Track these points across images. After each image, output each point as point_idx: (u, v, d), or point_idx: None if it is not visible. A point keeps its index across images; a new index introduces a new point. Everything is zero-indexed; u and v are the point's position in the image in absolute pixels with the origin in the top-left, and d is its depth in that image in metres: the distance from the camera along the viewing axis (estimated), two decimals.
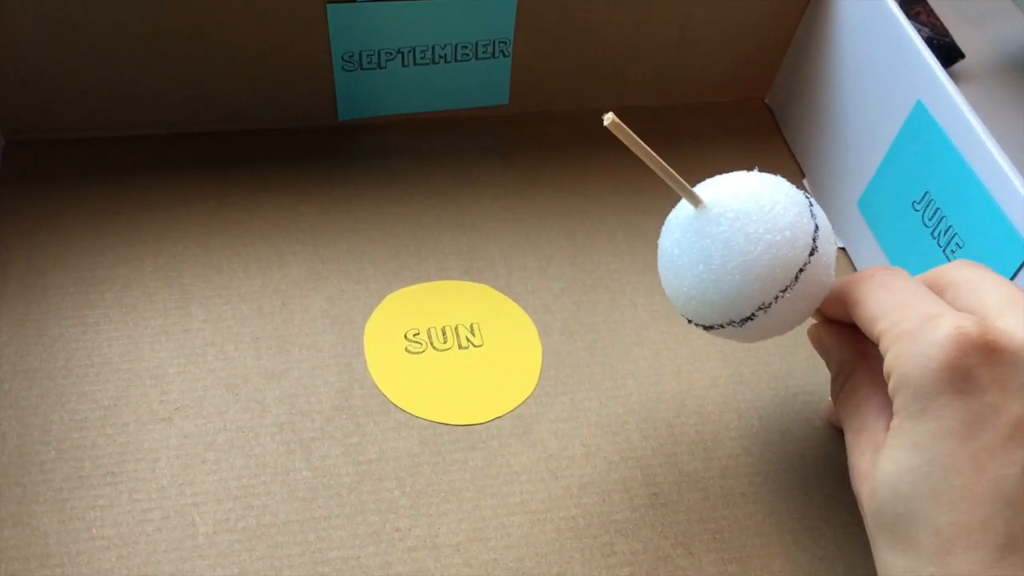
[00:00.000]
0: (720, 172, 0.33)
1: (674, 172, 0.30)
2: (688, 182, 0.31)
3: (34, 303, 0.39)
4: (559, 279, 0.43)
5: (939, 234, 0.40)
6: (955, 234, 0.39)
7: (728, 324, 0.32)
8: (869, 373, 0.33)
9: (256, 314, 0.40)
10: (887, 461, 0.29)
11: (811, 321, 0.35)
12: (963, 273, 0.31)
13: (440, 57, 0.47)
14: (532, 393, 0.39)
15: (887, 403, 0.31)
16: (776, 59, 0.52)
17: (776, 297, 0.31)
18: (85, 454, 0.35)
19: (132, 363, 0.38)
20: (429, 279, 0.43)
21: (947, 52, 0.59)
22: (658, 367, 0.41)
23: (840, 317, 0.33)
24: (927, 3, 0.61)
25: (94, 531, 0.34)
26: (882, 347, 0.30)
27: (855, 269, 0.46)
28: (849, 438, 0.32)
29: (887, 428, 0.30)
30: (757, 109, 0.53)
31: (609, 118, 0.28)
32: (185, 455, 0.36)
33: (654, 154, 0.30)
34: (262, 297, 0.41)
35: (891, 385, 0.29)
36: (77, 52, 0.42)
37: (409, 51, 0.46)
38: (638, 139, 0.29)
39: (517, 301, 0.42)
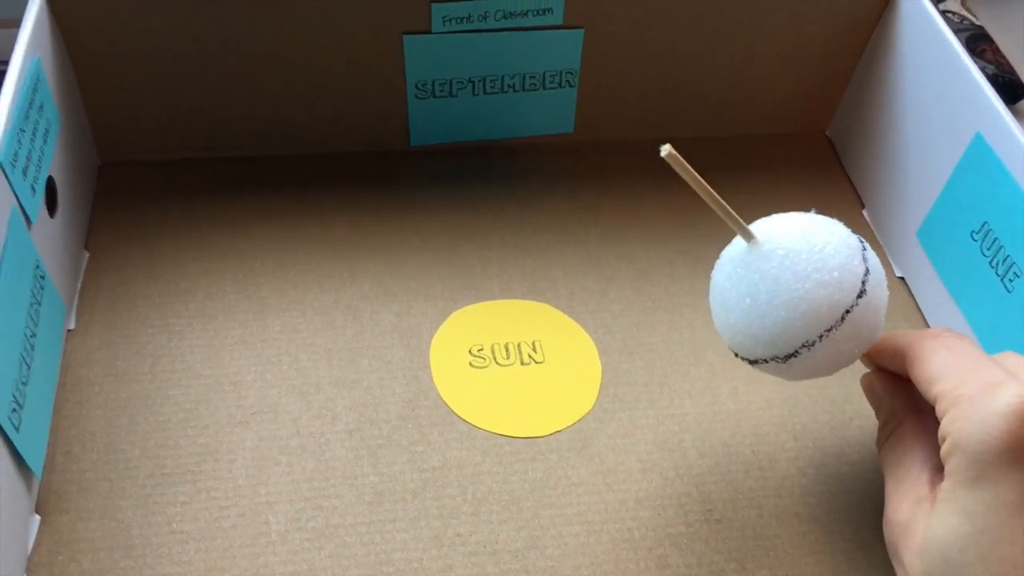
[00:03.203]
0: (780, 201, 0.34)
1: (728, 206, 0.32)
2: (749, 211, 0.33)
3: (123, 311, 0.42)
4: (619, 300, 0.45)
5: (997, 263, 0.40)
6: (1013, 263, 0.39)
7: (772, 359, 0.33)
8: (918, 426, 0.33)
9: (329, 327, 0.42)
10: (938, 525, 0.29)
11: (862, 366, 0.35)
12: None
13: (508, 86, 0.49)
14: (591, 409, 0.40)
15: (932, 458, 0.31)
16: (838, 91, 0.53)
17: (820, 336, 0.31)
18: (167, 453, 0.37)
19: (212, 369, 0.40)
20: (493, 297, 0.44)
21: (1011, 89, 0.59)
22: (715, 387, 0.42)
23: (895, 369, 0.34)
24: (993, 42, 0.62)
25: (174, 525, 0.36)
26: (939, 409, 0.30)
27: (914, 299, 0.46)
28: (889, 488, 0.32)
29: (929, 483, 0.31)
30: (818, 141, 0.54)
31: (666, 150, 0.30)
32: (260, 457, 0.38)
33: (709, 188, 0.31)
34: (335, 311, 0.43)
35: (945, 448, 0.29)
36: (168, 79, 0.45)
37: (479, 80, 0.48)
38: (694, 172, 0.31)
39: (578, 320, 0.44)
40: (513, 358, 0.42)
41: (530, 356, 0.42)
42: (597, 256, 0.46)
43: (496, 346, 0.42)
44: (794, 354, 0.32)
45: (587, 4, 0.46)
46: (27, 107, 0.38)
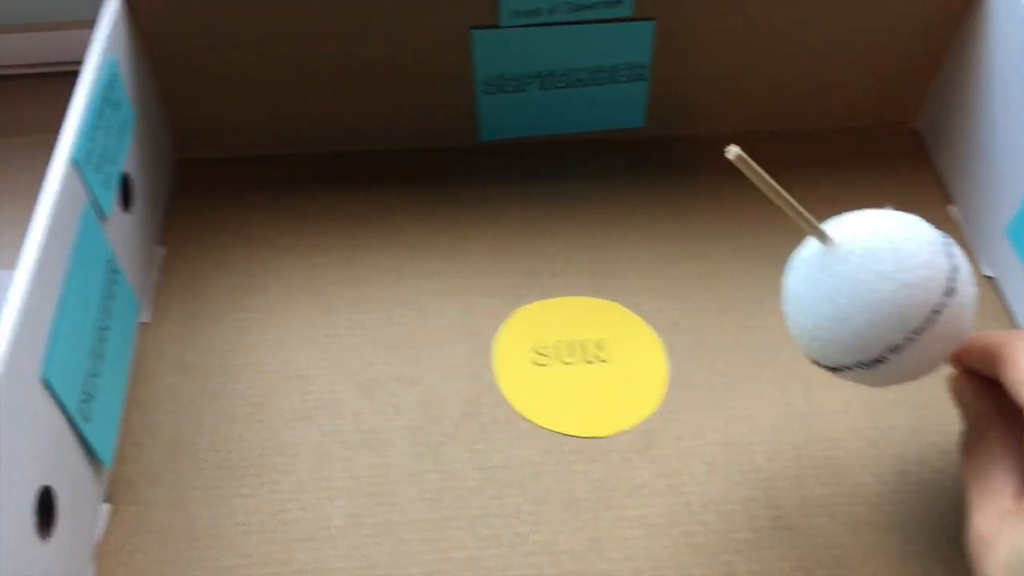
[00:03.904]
0: (863, 197, 0.33)
1: (801, 208, 0.30)
2: (829, 209, 0.31)
3: (194, 306, 0.43)
4: (688, 299, 0.43)
5: None
6: None
7: (856, 366, 0.31)
8: (1006, 433, 0.31)
9: (393, 323, 0.42)
10: (1022, 539, 0.28)
11: (945, 369, 0.34)
12: None
13: (578, 80, 0.48)
14: (656, 410, 0.39)
15: (1020, 467, 0.30)
16: (925, 82, 0.50)
17: (907, 339, 0.30)
18: (233, 446, 0.38)
19: (278, 364, 0.41)
20: (559, 295, 0.44)
21: None
22: (787, 389, 0.40)
23: (984, 372, 0.32)
24: None
25: (238, 518, 0.36)
26: None
27: (1003, 299, 0.44)
28: (973, 498, 0.31)
29: (1016, 495, 0.29)
30: (903, 134, 0.52)
31: (733, 152, 0.28)
32: (322, 452, 0.38)
33: (780, 189, 0.30)
34: (400, 307, 0.43)
35: None
36: (243, 77, 0.46)
37: (548, 75, 0.47)
38: (764, 173, 0.29)
39: (645, 319, 0.43)
40: (577, 356, 0.41)
41: (595, 355, 0.41)
42: (666, 253, 0.45)
43: (560, 344, 0.42)
44: (880, 359, 0.30)
45: None
46: (102, 105, 0.38)
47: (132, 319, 0.41)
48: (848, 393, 0.40)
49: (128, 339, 0.40)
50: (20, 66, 0.51)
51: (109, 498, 0.36)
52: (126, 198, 0.41)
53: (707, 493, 0.37)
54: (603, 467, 0.38)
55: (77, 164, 0.36)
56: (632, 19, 0.46)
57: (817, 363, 0.32)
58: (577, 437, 0.39)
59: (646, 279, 0.44)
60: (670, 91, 0.49)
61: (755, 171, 0.29)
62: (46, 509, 0.32)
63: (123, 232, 0.40)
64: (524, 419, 0.39)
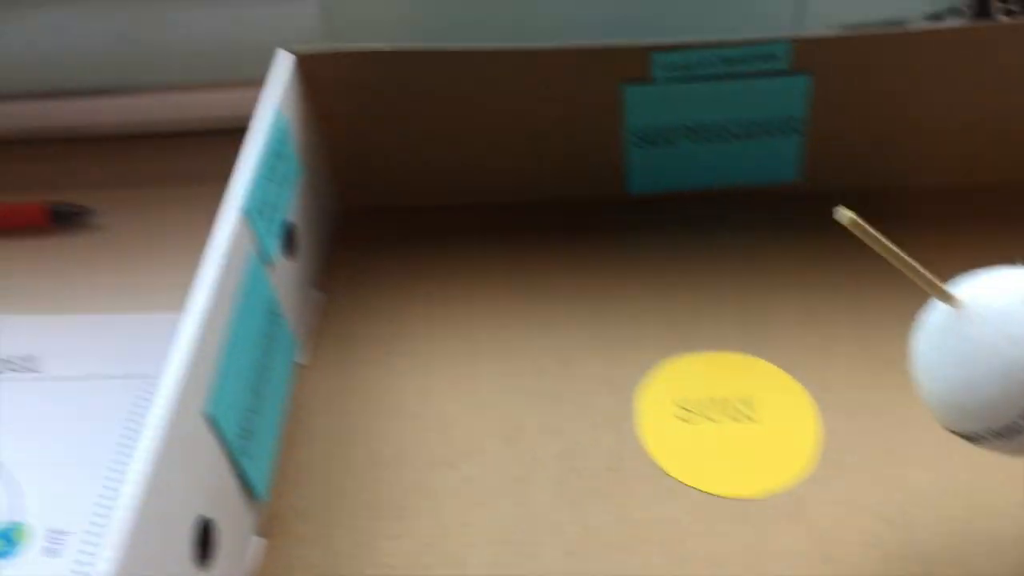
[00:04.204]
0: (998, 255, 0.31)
1: (924, 271, 0.29)
2: (984, 267, 0.30)
3: (349, 350, 0.44)
4: (843, 357, 0.42)
5: None
6: None
7: (989, 434, 0.29)
8: None
9: (538, 372, 0.42)
10: None
11: None
12: None
13: (730, 134, 0.47)
14: (807, 473, 0.38)
15: None
16: None
17: None
18: (380, 487, 0.39)
19: (424, 409, 0.42)
20: (706, 349, 0.43)
21: None
22: (949, 457, 0.38)
23: None
24: None
25: (382, 559, 0.37)
26: None
27: None
28: None
29: None
30: None
31: (845, 217, 0.28)
32: (465, 498, 0.38)
33: (900, 252, 0.29)
34: (544, 356, 0.43)
35: None
36: (405, 132, 0.48)
37: (700, 128, 0.47)
38: (879, 235, 0.28)
39: (796, 378, 0.41)
40: (724, 414, 0.40)
41: (742, 413, 0.40)
42: (820, 310, 0.44)
43: (706, 400, 0.41)
44: (1014, 427, 0.29)
45: (814, 50, 0.44)
46: (271, 158, 0.41)
47: (290, 360, 0.42)
48: (1017, 463, 0.37)
49: (285, 379, 0.42)
50: (195, 121, 0.55)
51: (262, 531, 0.38)
52: (289, 245, 0.44)
53: (860, 565, 0.35)
54: (750, 530, 0.36)
55: (246, 212, 0.38)
56: (787, 73, 0.45)
57: (952, 432, 0.31)
58: (723, 497, 0.38)
59: (797, 336, 0.43)
60: (825, 144, 0.48)
61: (870, 234, 0.28)
62: (204, 540, 0.33)
63: (285, 277, 0.42)
64: (668, 475, 0.38)
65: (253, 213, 0.38)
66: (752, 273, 0.46)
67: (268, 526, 0.38)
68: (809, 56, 0.44)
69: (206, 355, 0.33)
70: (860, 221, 0.28)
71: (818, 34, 0.45)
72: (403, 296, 0.46)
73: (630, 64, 0.45)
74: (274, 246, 0.41)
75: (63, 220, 0.51)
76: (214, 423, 0.34)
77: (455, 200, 0.50)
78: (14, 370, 0.45)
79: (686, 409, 0.41)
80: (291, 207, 0.43)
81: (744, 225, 0.48)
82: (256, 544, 0.37)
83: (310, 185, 0.47)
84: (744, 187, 0.50)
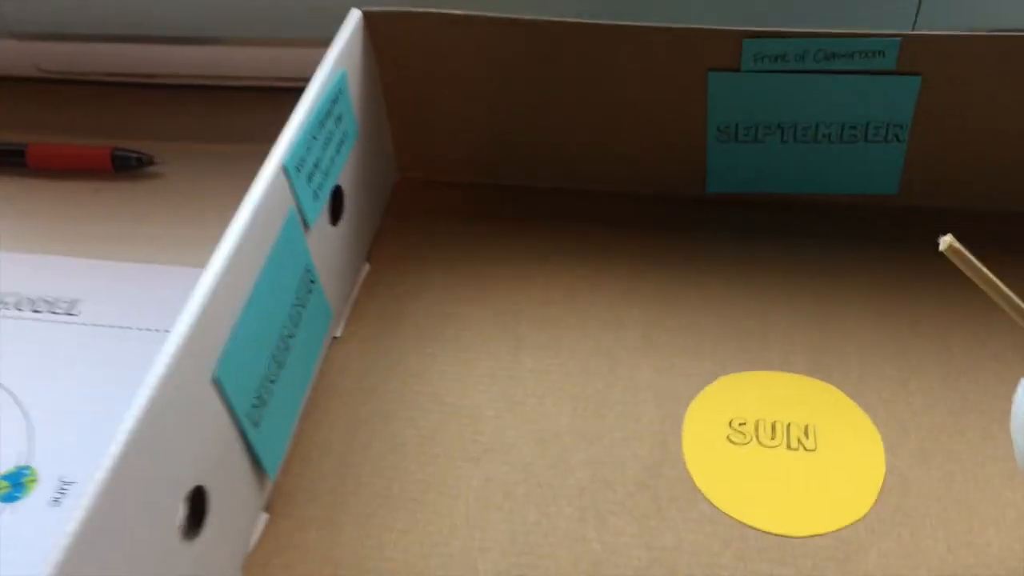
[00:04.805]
0: None
1: None
2: None
3: (387, 327, 0.42)
4: (922, 393, 0.38)
5: None
6: None
7: None
8: None
9: (582, 373, 0.39)
10: None
11: None
12: None
13: (824, 136, 0.43)
14: (864, 516, 0.34)
15: None
16: None
17: None
18: (396, 476, 0.36)
19: (456, 399, 0.39)
20: (769, 367, 0.39)
21: None
22: None
23: None
24: None
25: (386, 552, 0.34)
26: None
27: None
28: None
29: None
30: None
31: (945, 243, 0.24)
32: (483, 499, 0.35)
33: (1004, 288, 0.25)
34: (592, 357, 0.40)
35: None
36: (472, 105, 0.45)
37: (790, 127, 0.43)
38: (982, 267, 0.24)
39: (866, 409, 0.37)
40: (780, 440, 0.36)
41: (800, 441, 0.36)
42: (903, 339, 0.40)
43: (762, 423, 0.37)
44: None
45: (928, 48, 0.40)
46: (324, 116, 0.39)
47: (322, 331, 0.40)
48: None
49: (315, 351, 0.40)
50: (256, 78, 0.53)
51: (268, 509, 0.36)
52: (336, 211, 0.41)
53: None
54: (791, 572, 0.33)
55: (287, 170, 0.36)
56: (894, 72, 0.41)
57: None
58: (765, 532, 0.34)
59: (873, 364, 0.39)
60: (932, 157, 0.43)
61: (973, 265, 0.24)
62: (198, 510, 0.31)
63: (328, 244, 0.40)
64: (707, 500, 0.35)
65: (294, 171, 0.36)
66: (830, 290, 0.42)
67: (274, 503, 0.36)
68: (921, 56, 0.40)
69: (219, 315, 0.31)
70: (963, 250, 0.24)
71: (933, 32, 0.40)
72: (452, 277, 0.44)
73: (718, 50, 0.41)
74: (317, 208, 0.38)
75: (123, 166, 0.51)
76: (222, 389, 0.32)
77: (518, 180, 0.48)
78: (54, 312, 0.44)
79: (738, 430, 0.37)
80: (343, 171, 0.41)
81: (829, 238, 0.44)
82: (258, 521, 0.35)
83: (367, 151, 0.44)
84: (834, 197, 0.45)
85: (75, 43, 0.53)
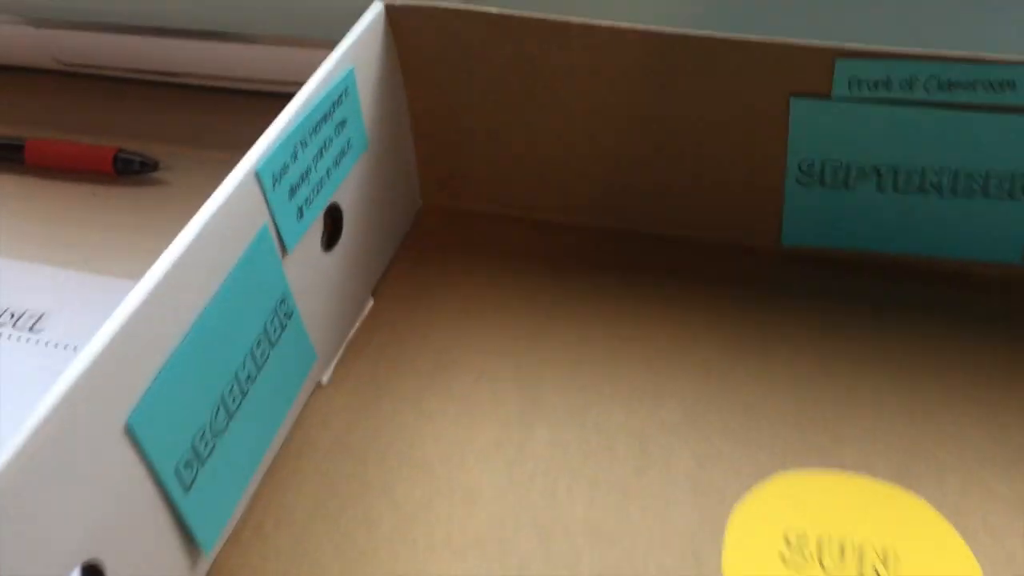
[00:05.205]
0: None
1: None
2: None
3: (381, 376, 0.35)
4: None
5: None
6: None
7: None
8: None
9: (606, 453, 0.32)
10: None
11: None
12: None
13: (932, 186, 0.35)
14: None
15: None
16: None
17: None
18: (362, 562, 0.29)
19: (450, 472, 0.32)
20: (841, 467, 0.31)
21: None
22: None
23: None
24: None
25: None
26: None
27: None
28: None
29: None
30: None
31: None
32: None
33: None
34: (620, 434, 0.32)
35: None
36: (507, 125, 0.39)
37: (889, 171, 0.35)
38: None
39: (964, 534, 0.29)
40: (850, 565, 0.28)
41: (876, 569, 0.28)
42: (1015, 442, 0.31)
43: (827, 541, 0.29)
44: None
45: None
46: (321, 119, 0.32)
47: (299, 375, 0.34)
48: None
49: (286, 398, 0.33)
50: (282, 82, 0.48)
51: None
52: (332, 235, 0.35)
53: None
54: None
55: (260, 179, 0.29)
56: None
57: None
58: None
59: (978, 477, 0.30)
60: None
61: None
62: None
63: (318, 273, 0.34)
64: None
65: (270, 181, 0.30)
66: (928, 378, 0.33)
67: None
68: None
69: (141, 347, 0.25)
70: None
71: None
72: (468, 321, 0.37)
73: (804, 71, 0.34)
74: (300, 229, 0.32)
75: (126, 169, 0.46)
76: (136, 439, 0.25)
77: (555, 216, 0.41)
78: (15, 327, 0.39)
79: (796, 547, 0.29)
80: (344, 188, 0.35)
81: (930, 312, 0.36)
82: None
83: (381, 167, 0.38)
84: (940, 263, 0.37)
85: (94, 33, 0.49)
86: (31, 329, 0.39)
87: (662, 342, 0.35)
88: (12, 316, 0.39)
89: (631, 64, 0.36)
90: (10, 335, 0.39)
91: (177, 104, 0.51)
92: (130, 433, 0.25)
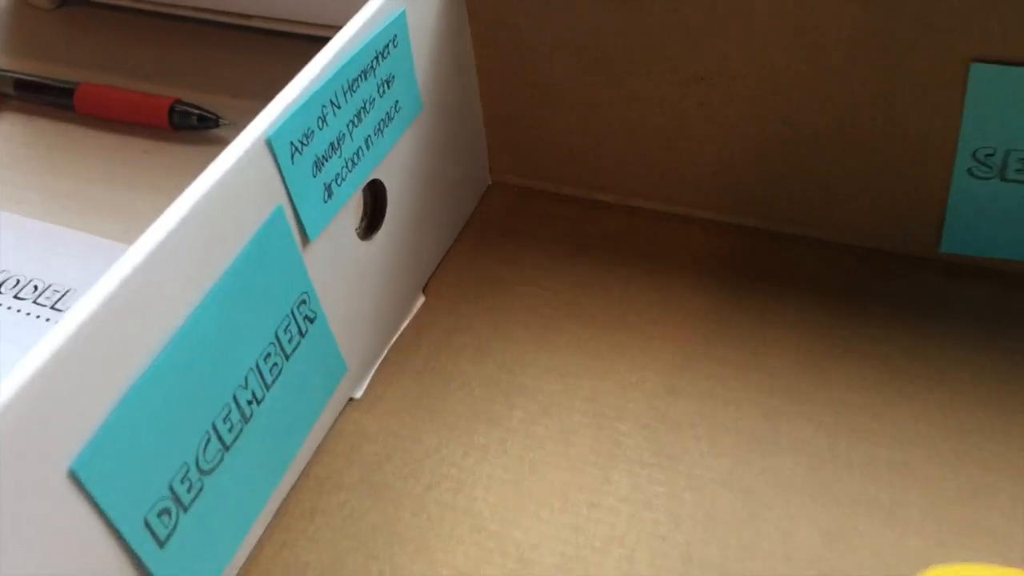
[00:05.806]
0: None
1: None
2: None
3: (427, 392, 0.29)
4: None
5: None
6: None
7: None
8: None
9: (704, 512, 0.25)
10: None
11: None
12: None
13: None
14: None
15: None
16: None
17: None
18: None
19: (501, 526, 0.25)
20: (982, 553, 0.23)
21: None
22: None
23: None
24: None
25: None
26: None
27: None
28: None
29: None
30: None
31: None
32: None
33: None
34: (722, 489, 0.25)
35: None
36: (596, 88, 0.31)
37: None
38: None
39: None
40: None
41: None
42: None
43: None
44: None
45: None
46: (357, 75, 0.26)
47: (324, 392, 0.27)
48: None
49: (304, 422, 0.27)
50: (307, 25, 0.42)
51: None
52: (374, 219, 0.29)
53: None
54: None
55: (273, 148, 0.23)
56: None
57: None
58: None
59: None
60: None
61: None
62: None
63: (353, 265, 0.27)
64: None
65: (286, 151, 0.23)
66: None
67: None
68: None
69: (92, 368, 0.19)
70: None
71: None
72: (530, 324, 0.30)
73: (986, 29, 0.26)
74: (329, 211, 0.26)
75: (183, 124, 0.40)
76: (84, 486, 0.19)
77: (656, 204, 0.33)
78: (38, 302, 0.34)
79: None
80: (390, 161, 0.28)
81: None
82: None
83: (436, 135, 0.31)
84: None
85: None
86: (53, 307, 0.34)
87: (782, 371, 0.28)
88: (36, 289, 0.34)
89: (763, 30, 0.28)
90: (29, 312, 0.33)
91: (254, 51, 0.44)
92: (75, 479, 0.19)
